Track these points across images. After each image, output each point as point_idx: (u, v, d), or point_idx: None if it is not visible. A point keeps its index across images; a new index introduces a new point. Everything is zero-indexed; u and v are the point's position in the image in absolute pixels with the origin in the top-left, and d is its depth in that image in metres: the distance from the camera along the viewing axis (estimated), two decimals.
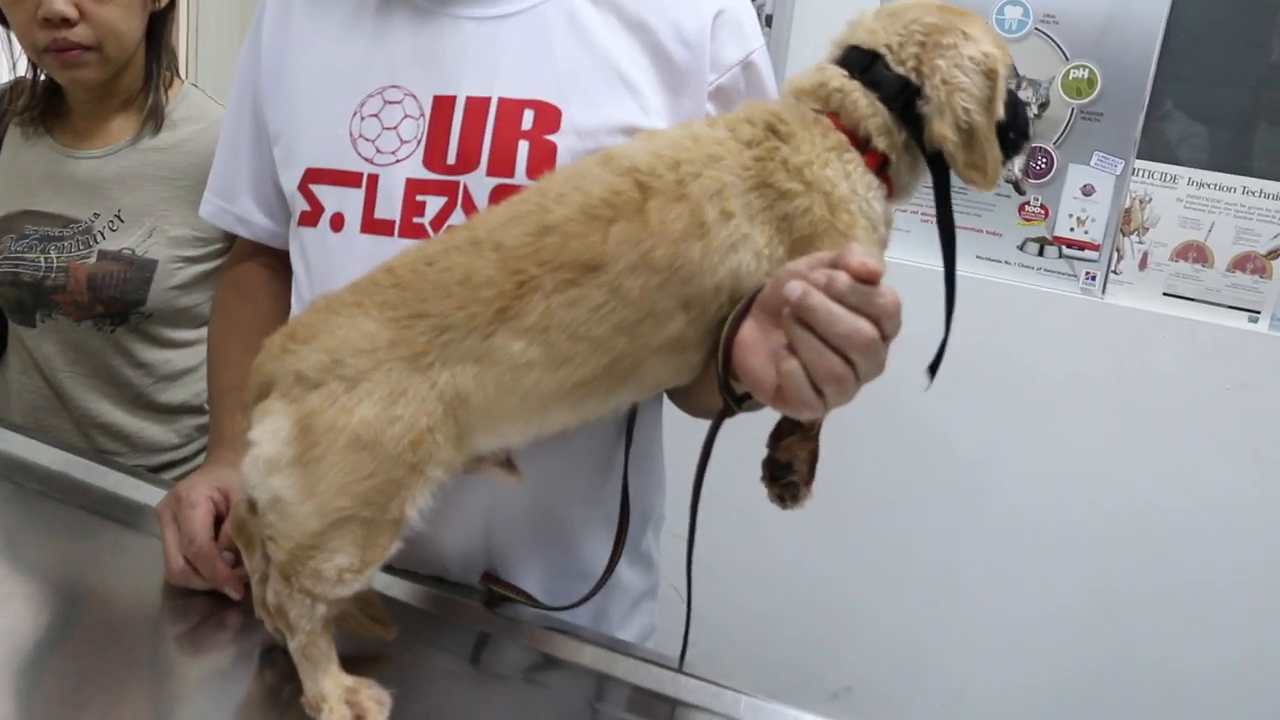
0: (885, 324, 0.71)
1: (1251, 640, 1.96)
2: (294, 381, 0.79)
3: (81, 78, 1.44)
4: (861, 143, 0.83)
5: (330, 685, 0.81)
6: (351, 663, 0.83)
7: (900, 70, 0.83)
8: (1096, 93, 1.95)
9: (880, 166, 0.84)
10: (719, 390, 0.80)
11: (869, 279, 0.70)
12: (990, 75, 0.82)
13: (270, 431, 0.78)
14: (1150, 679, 2.02)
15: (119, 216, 1.50)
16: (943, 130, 0.81)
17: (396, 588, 1.02)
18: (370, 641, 0.91)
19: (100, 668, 0.88)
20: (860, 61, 0.84)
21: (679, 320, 0.79)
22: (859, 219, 0.80)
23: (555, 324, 0.77)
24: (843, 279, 0.70)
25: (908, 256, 1.93)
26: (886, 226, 0.84)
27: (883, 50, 0.84)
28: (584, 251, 0.77)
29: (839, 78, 0.84)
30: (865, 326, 0.70)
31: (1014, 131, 0.86)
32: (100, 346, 1.52)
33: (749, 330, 0.77)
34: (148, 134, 1.52)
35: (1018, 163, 2.02)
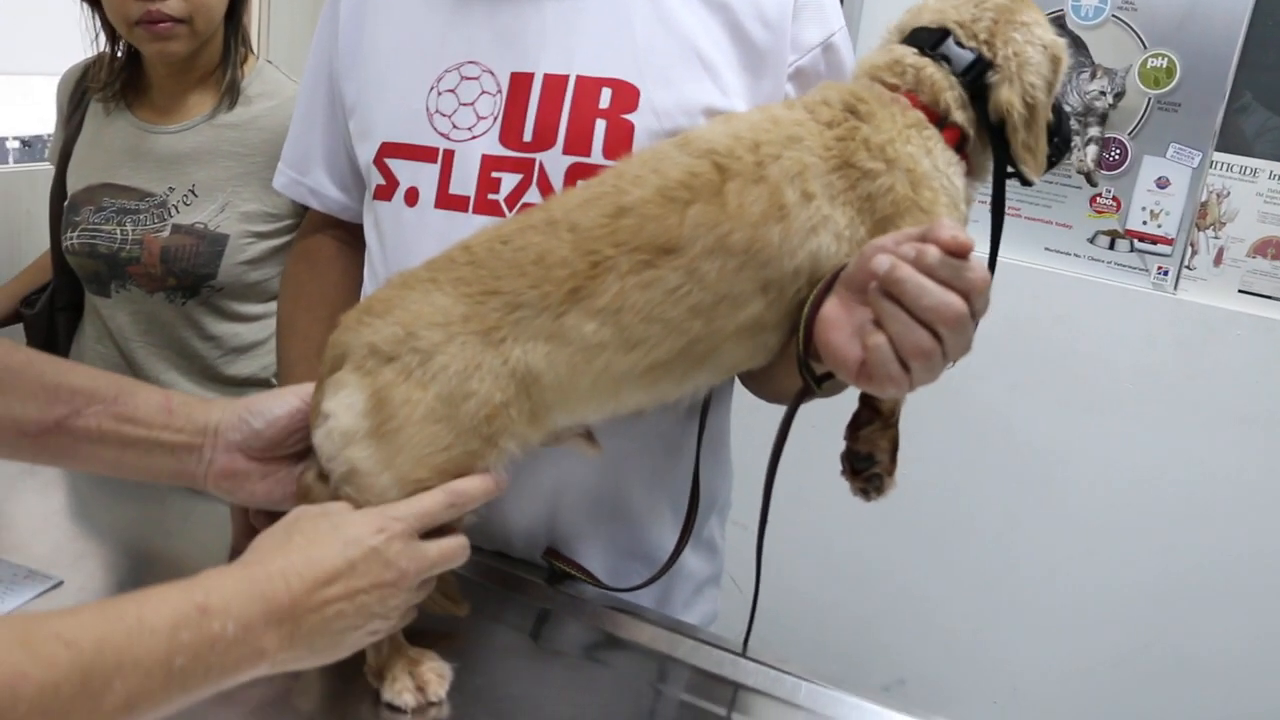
0: (975, 299, 0.70)
1: None
2: (368, 354, 0.79)
3: (170, 50, 1.47)
4: (939, 119, 0.83)
5: (394, 655, 0.81)
6: (414, 634, 0.84)
7: (971, 45, 0.83)
8: (1175, 82, 1.90)
9: (959, 143, 0.83)
10: (799, 370, 0.80)
11: (959, 252, 0.69)
12: (1055, 62, 0.83)
13: (346, 404, 0.79)
14: (1211, 673, 1.98)
15: (193, 191, 1.52)
16: (1010, 97, 0.81)
17: None
18: (435, 615, 0.91)
19: None
20: (929, 39, 0.85)
21: (757, 303, 0.78)
22: (941, 195, 0.80)
23: (629, 306, 0.77)
24: (933, 252, 0.69)
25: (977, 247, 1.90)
26: (967, 204, 0.84)
27: (952, 26, 0.84)
28: (660, 234, 0.77)
29: (910, 55, 0.84)
30: (955, 300, 0.69)
31: (1058, 137, 0.86)
32: (171, 318, 1.55)
33: (832, 307, 0.76)
34: (224, 109, 1.54)
35: (1090, 153, 1.98)
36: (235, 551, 0.98)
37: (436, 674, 0.82)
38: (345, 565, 0.71)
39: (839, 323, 0.75)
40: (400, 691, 0.80)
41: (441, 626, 0.91)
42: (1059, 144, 0.87)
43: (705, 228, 0.77)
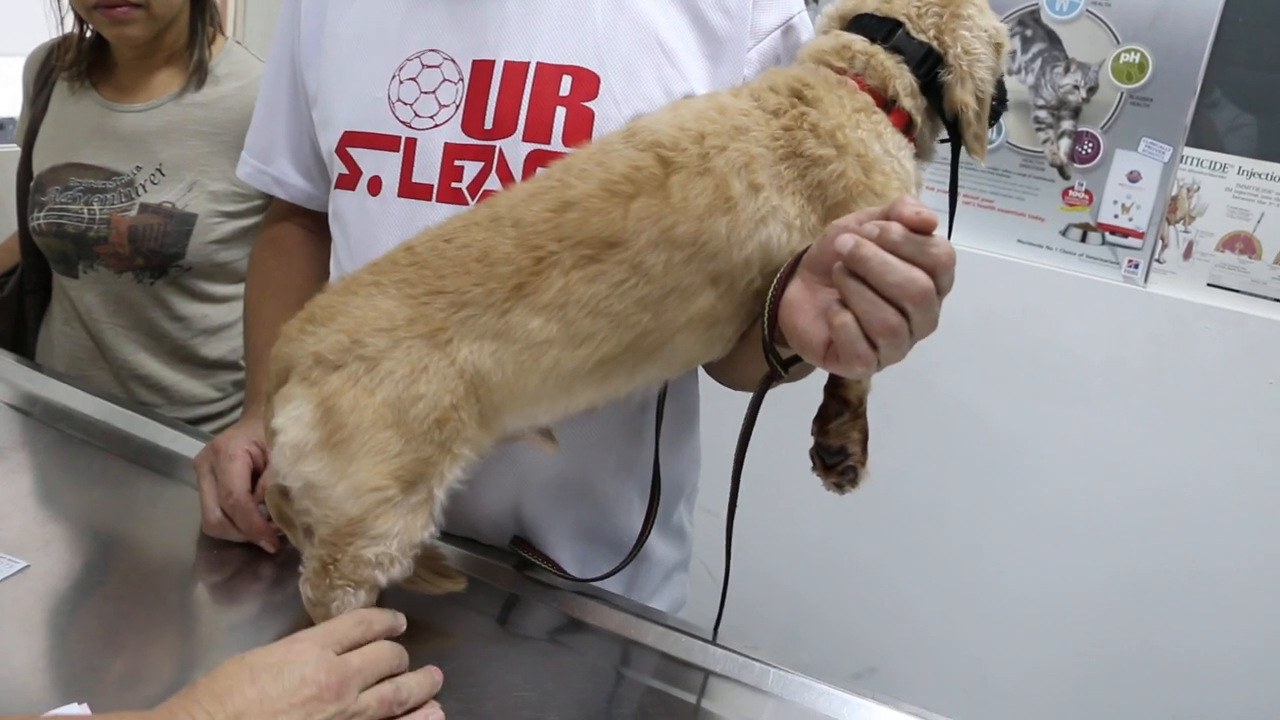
0: (940, 275, 0.70)
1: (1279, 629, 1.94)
2: (313, 364, 0.78)
3: (128, 34, 1.46)
4: (886, 103, 0.83)
5: None
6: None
7: (922, 38, 0.84)
8: (1147, 78, 1.91)
9: (905, 127, 0.84)
10: (764, 355, 0.80)
11: (922, 228, 0.69)
12: (998, 49, 0.85)
13: (293, 417, 0.77)
14: (1177, 666, 2.01)
15: (160, 170, 1.51)
16: (964, 98, 0.83)
17: None
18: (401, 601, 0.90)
19: (135, 611, 0.90)
20: (880, 29, 0.85)
21: (708, 295, 0.78)
22: (892, 179, 0.80)
23: (574, 300, 0.76)
24: (896, 229, 0.69)
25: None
26: (917, 188, 0.84)
27: (902, 19, 0.85)
28: (604, 228, 0.76)
29: (860, 42, 0.85)
30: (920, 276, 0.69)
31: (996, 100, 0.88)
32: (140, 298, 1.53)
33: (795, 290, 0.76)
34: (191, 89, 1.53)
35: (1063, 146, 1.99)
36: (207, 521, 0.99)
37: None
38: (255, 692, 0.68)
39: (803, 305, 0.75)
40: None
41: (407, 612, 0.91)
42: (996, 106, 0.88)
43: (649, 221, 0.76)
